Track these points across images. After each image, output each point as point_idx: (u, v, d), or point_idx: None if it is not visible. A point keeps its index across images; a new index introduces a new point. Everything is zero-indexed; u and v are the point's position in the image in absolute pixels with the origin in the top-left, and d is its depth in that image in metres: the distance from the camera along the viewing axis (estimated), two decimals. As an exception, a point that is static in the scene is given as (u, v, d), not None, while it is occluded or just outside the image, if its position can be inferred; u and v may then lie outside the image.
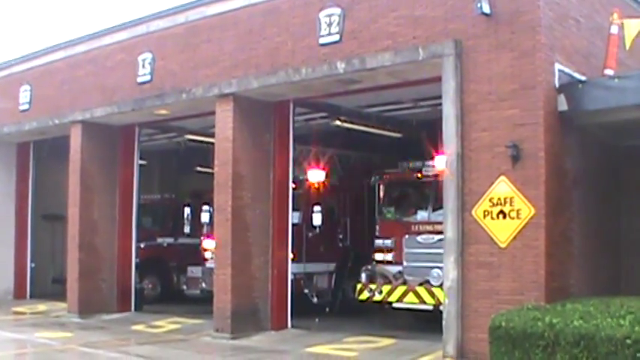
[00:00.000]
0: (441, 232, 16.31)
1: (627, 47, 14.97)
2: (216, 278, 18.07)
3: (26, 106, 24.52)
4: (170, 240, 26.56)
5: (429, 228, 18.07)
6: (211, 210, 20.16)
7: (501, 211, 13.30)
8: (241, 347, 16.63)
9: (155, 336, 18.64)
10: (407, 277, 18.27)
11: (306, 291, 20.87)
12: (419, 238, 18.27)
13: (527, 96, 13.20)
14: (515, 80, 13.33)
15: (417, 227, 18.53)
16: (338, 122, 20.59)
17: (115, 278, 22.58)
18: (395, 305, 18.32)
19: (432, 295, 17.20)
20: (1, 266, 26.26)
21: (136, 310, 22.64)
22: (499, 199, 13.35)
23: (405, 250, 18.55)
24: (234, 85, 17.78)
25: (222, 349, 16.61)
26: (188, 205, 24.84)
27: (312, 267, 20.91)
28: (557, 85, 13.61)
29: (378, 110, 20.93)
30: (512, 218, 13.19)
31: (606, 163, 15.86)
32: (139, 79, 20.24)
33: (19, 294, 26.58)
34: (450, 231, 13.92)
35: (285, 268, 18.57)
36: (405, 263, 18.49)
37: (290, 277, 18.75)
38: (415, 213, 19.13)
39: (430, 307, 17.35)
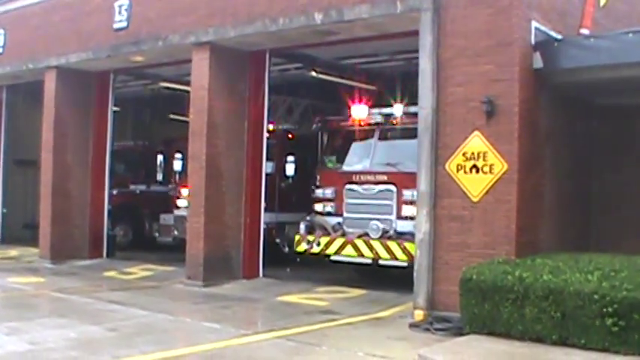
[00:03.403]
0: (382, 183, 16.27)
1: (602, 5, 15.06)
2: (189, 226, 18.17)
3: (0, 50, 24.29)
4: (143, 187, 26.64)
5: (371, 178, 17.51)
6: (184, 158, 20.17)
7: (474, 166, 13.37)
8: (213, 295, 16.76)
9: (127, 282, 18.76)
10: (346, 229, 17.69)
11: (277, 240, 20.93)
12: (359, 189, 17.70)
13: (503, 52, 13.21)
14: (492, 36, 13.34)
15: (358, 177, 17.83)
16: (314, 73, 20.51)
17: (88, 224, 22.64)
18: (333, 258, 17.66)
19: (371, 248, 16.73)
20: (-28, 211, 26.21)
21: (108, 256, 22.75)
22: (472, 153, 13.40)
23: (346, 200, 17.99)
24: (211, 34, 17.69)
25: (194, 296, 16.74)
26: (161, 153, 24.82)
27: (284, 217, 20.93)
28: (533, 43, 13.63)
29: (354, 62, 20.89)
30: (485, 173, 13.26)
31: (579, 122, 15.98)
32: (115, 26, 20.04)
33: (-11, 239, 26.56)
34: (423, 184, 13.94)
35: (257, 217, 18.70)
36: (344, 214, 17.95)
37: (262, 226, 18.86)
38: (357, 162, 18.40)
39: (369, 261, 16.97)
